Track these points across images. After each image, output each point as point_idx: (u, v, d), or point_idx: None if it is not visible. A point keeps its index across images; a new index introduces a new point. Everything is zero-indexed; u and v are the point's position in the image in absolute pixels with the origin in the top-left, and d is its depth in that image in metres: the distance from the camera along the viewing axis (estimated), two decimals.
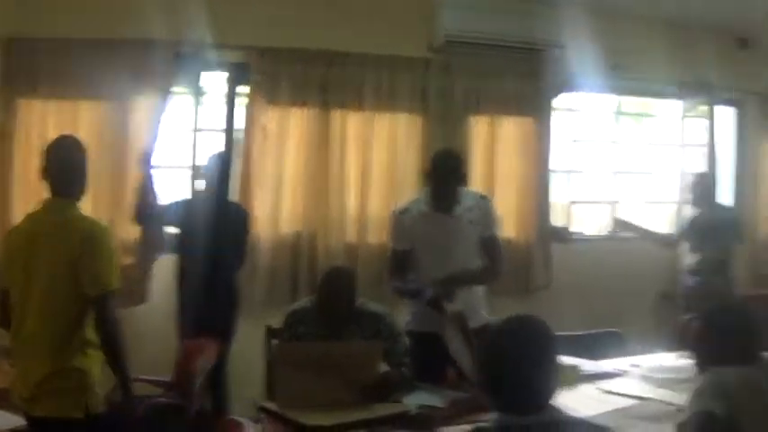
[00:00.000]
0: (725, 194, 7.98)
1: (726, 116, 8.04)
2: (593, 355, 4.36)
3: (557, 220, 7.00)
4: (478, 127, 6.42)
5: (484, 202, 4.54)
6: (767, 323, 5.36)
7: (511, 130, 6.56)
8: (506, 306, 5.40)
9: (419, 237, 4.34)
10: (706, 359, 2.92)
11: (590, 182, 7.43)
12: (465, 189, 4.40)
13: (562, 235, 7.06)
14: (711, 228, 6.44)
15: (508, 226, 6.43)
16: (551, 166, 6.80)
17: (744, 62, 7.79)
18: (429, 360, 3.87)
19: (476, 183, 5.96)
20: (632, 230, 6.99)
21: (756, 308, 5.33)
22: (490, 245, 4.46)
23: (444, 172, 4.24)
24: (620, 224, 7.03)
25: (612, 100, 7.39)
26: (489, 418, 2.20)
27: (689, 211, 6.82)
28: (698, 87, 7.51)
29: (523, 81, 6.50)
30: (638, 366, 4.16)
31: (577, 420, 2.32)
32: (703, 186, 6.69)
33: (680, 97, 7.60)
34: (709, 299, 5.72)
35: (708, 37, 7.31)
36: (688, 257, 6.62)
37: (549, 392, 2.17)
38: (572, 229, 7.25)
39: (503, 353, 2.20)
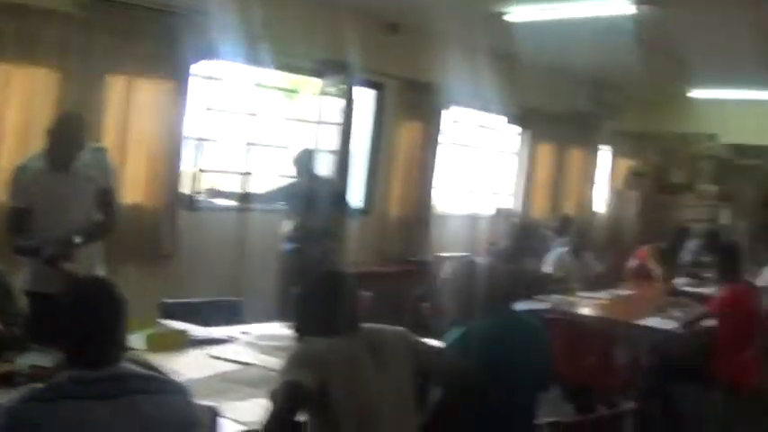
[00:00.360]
0: (358, 172, 10.05)
1: (366, 97, 10.11)
2: (211, 321, 5.12)
3: (186, 187, 8.35)
4: (115, 87, 7.46)
5: (99, 153, 5.33)
6: (387, 297, 6.79)
7: (147, 92, 7.74)
8: (132, 273, 6.37)
9: (37, 194, 5.00)
10: (302, 327, 3.57)
11: (223, 151, 8.94)
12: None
13: (190, 203, 8.40)
14: (307, 197, 8.06)
15: (137, 191, 7.75)
16: (184, 132, 8.10)
17: (390, 46, 9.78)
18: (45, 320, 4.19)
19: (108, 144, 7.01)
20: (224, 197, 8.52)
21: (378, 282, 6.82)
22: (105, 197, 5.24)
23: (63, 135, 4.97)
24: (211, 192, 8.43)
25: (255, 72, 8.88)
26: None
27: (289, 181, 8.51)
28: (337, 67, 9.27)
29: (163, 44, 7.69)
30: (247, 334, 4.93)
31: (144, 374, 2.73)
32: (304, 160, 8.30)
33: (320, 75, 9.36)
34: (305, 267, 6.68)
35: (355, 18, 9.02)
36: (286, 225, 8.23)
37: (117, 349, 2.65)
38: (201, 197, 8.61)
39: (73, 312, 2.66)
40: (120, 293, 2.72)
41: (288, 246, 8.13)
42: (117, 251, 6.93)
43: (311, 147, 8.79)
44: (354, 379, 3.18)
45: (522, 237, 9.25)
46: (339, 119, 9.44)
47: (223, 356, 4.42)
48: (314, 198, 8.02)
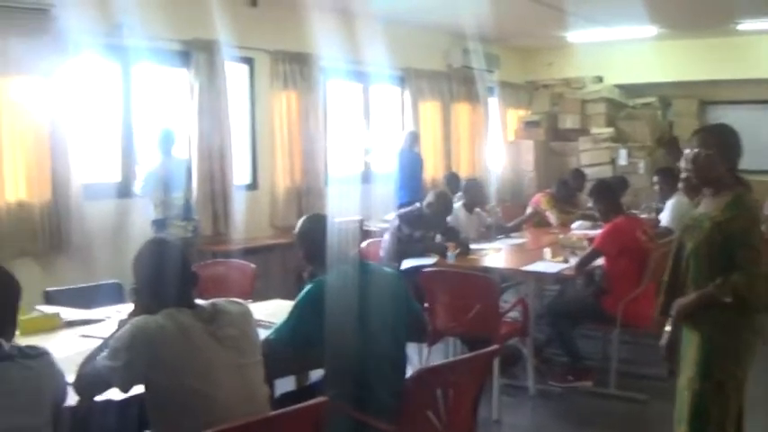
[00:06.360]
0: (241, 148, 10.38)
1: (238, 73, 10.39)
2: (93, 304, 5.49)
3: (77, 179, 8.45)
4: None
5: None
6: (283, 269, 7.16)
7: (17, 90, 7.89)
8: (24, 266, 6.65)
9: None
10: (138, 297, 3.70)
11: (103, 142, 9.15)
12: None
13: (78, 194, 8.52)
14: (164, 179, 8.51)
15: (18, 188, 7.95)
16: (67, 126, 8.26)
17: (254, 20, 10.17)
18: None
19: None
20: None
21: (272, 254, 7.20)
22: None
23: None
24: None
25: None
26: None
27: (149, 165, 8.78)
28: (205, 46, 9.55)
29: (29, 41, 7.85)
30: (120, 312, 4.96)
31: (19, 347, 3.15)
32: (162, 141, 8.69)
33: (188, 56, 9.59)
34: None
35: None
36: (155, 210, 8.60)
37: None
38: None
39: None
40: (10, 281, 3.24)
41: (154, 231, 8.34)
42: (6, 247, 7.59)
43: (170, 127, 8.89)
44: (185, 347, 3.34)
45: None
46: (211, 97, 9.64)
47: (93, 335, 4.66)
48: (171, 180, 8.41)
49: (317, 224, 4.50)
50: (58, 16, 7.90)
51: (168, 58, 9.41)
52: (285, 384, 4.84)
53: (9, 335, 3.23)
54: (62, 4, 7.85)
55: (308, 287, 4.24)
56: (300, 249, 4.53)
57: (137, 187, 8.77)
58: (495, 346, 4.67)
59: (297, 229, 4.54)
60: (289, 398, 4.39)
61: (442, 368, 4.38)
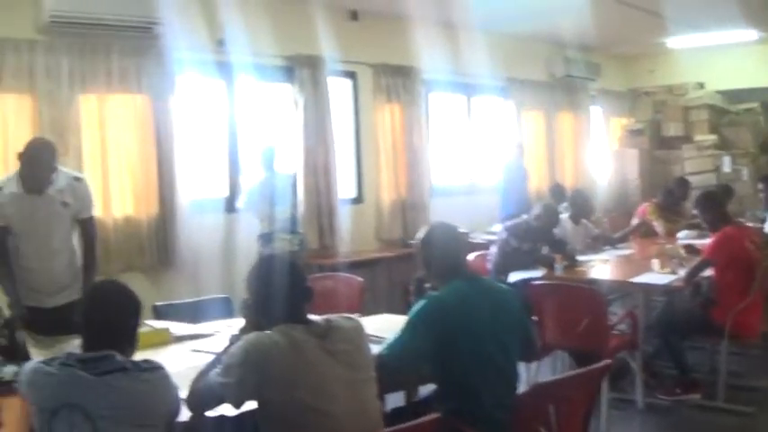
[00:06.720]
0: (345, 161, 10.41)
1: (341, 87, 10.46)
2: (201, 319, 5.59)
3: (184, 194, 8.60)
4: (88, 105, 7.92)
5: (78, 183, 5.76)
6: (390, 282, 6.96)
7: (122, 107, 8.15)
8: (134, 281, 6.76)
9: (14, 215, 5.48)
10: (249, 314, 3.73)
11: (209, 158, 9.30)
12: (60, 168, 5.70)
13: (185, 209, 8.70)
14: (269, 194, 8.55)
15: (125, 203, 8.17)
16: (173, 142, 8.42)
17: (355, 34, 10.21)
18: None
19: (88, 161, 7.71)
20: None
21: (379, 268, 7.06)
22: (86, 226, 5.82)
23: (33, 160, 5.42)
24: None
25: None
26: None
27: (252, 180, 8.86)
28: (308, 61, 9.63)
29: (133, 59, 8.11)
30: (231, 327, 5.03)
31: (131, 360, 3.26)
32: (265, 157, 8.71)
33: (291, 72, 9.70)
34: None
35: (315, 10, 9.49)
36: (260, 225, 8.65)
37: (114, 337, 3.26)
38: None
39: (94, 309, 3.35)
40: (133, 294, 3.41)
41: (260, 245, 8.48)
42: (114, 262, 7.73)
43: (272, 143, 8.94)
44: (298, 363, 3.31)
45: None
46: (315, 112, 9.70)
47: (204, 349, 4.72)
48: (275, 194, 8.47)
49: (440, 232, 4.44)
50: (162, 33, 8.00)
51: (272, 73, 9.54)
52: (395, 399, 4.83)
53: (128, 352, 3.30)
54: (166, 21, 7.93)
55: (421, 303, 4.18)
56: (420, 256, 4.46)
57: (240, 202, 8.86)
58: (607, 361, 4.60)
59: (420, 236, 4.48)
60: (400, 413, 4.34)
61: (555, 383, 4.34)
